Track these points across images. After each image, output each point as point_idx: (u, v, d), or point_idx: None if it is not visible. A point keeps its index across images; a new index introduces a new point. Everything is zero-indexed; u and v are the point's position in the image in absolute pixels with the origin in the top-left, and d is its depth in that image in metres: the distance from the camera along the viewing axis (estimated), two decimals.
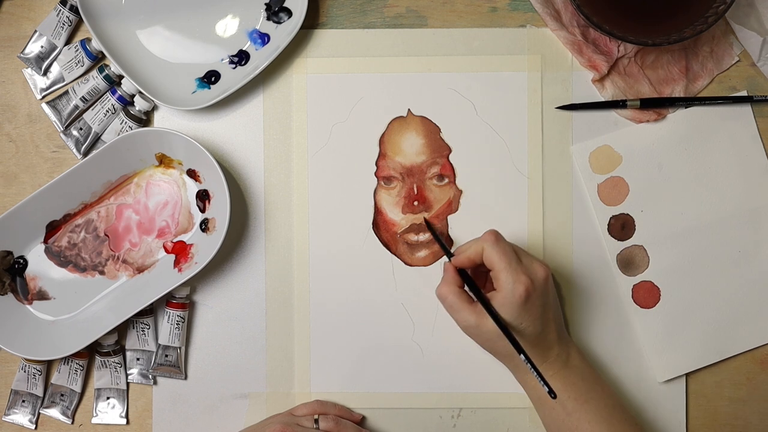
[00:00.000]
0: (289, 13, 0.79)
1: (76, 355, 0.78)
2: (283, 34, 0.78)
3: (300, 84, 0.80)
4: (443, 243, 0.77)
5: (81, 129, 0.79)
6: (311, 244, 0.80)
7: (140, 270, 0.79)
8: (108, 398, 0.80)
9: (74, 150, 0.79)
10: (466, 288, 0.74)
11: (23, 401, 0.79)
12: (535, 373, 0.68)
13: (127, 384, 0.80)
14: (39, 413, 0.80)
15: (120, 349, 0.80)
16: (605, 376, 0.79)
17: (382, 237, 0.80)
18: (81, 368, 0.79)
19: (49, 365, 0.80)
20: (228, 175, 0.79)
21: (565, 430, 0.72)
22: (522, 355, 0.69)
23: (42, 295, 0.79)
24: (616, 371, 0.79)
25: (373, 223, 0.80)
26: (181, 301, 0.79)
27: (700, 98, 0.79)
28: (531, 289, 0.70)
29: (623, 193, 0.80)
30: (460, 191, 0.80)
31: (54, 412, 0.79)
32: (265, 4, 0.80)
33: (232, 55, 0.80)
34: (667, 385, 0.79)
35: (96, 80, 0.78)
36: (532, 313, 0.71)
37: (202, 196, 0.79)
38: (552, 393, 0.67)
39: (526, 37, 0.80)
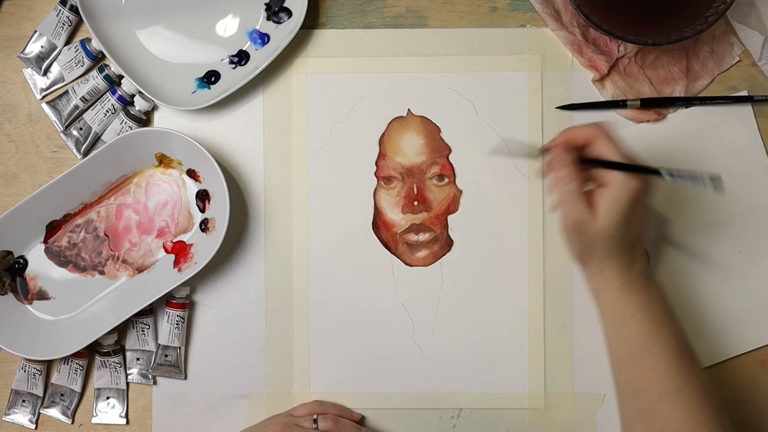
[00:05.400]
0: (289, 13, 0.79)
1: (76, 355, 0.78)
2: (283, 34, 0.78)
3: (300, 84, 0.80)
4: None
5: (81, 129, 0.79)
6: (311, 244, 0.80)
7: (140, 270, 0.79)
8: (108, 398, 0.80)
9: (74, 150, 0.79)
10: None
11: (23, 401, 0.79)
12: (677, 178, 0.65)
13: (127, 384, 0.80)
14: (39, 413, 0.80)
15: (120, 349, 0.80)
16: (606, 375, 0.79)
17: (382, 237, 0.80)
18: (81, 368, 0.79)
19: (49, 365, 0.80)
20: (228, 175, 0.79)
21: (637, 351, 0.68)
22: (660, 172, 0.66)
23: (42, 295, 0.79)
24: None
25: (373, 223, 0.80)
26: (181, 301, 0.79)
27: (701, 98, 0.79)
28: (643, 191, 0.67)
29: None
30: (460, 191, 0.80)
31: (54, 412, 0.80)
32: (265, 4, 0.80)
33: (232, 55, 0.80)
34: None
35: (96, 80, 0.79)
36: (637, 219, 0.68)
37: (202, 196, 0.79)
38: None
39: (526, 37, 0.80)
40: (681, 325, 0.70)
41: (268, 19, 0.80)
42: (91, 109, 0.79)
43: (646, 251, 0.72)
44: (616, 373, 0.71)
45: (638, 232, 0.69)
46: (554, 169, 0.70)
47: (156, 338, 0.79)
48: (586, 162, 0.69)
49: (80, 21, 0.79)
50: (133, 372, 0.80)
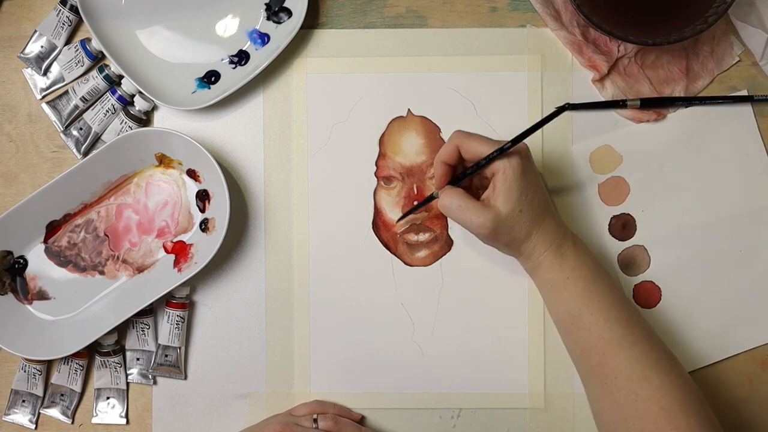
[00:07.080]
0: (289, 13, 0.79)
1: (76, 355, 0.78)
2: (283, 34, 0.78)
3: (300, 84, 0.80)
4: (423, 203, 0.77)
5: (81, 129, 0.79)
6: (311, 244, 0.80)
7: (140, 270, 0.79)
8: (108, 398, 0.80)
9: (74, 150, 0.79)
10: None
11: (23, 401, 0.79)
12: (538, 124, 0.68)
13: (127, 384, 0.80)
14: (39, 413, 0.80)
15: (120, 349, 0.80)
16: None
17: (382, 237, 0.80)
18: (81, 368, 0.79)
19: (49, 365, 0.80)
20: (228, 175, 0.79)
21: (576, 311, 0.70)
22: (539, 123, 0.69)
23: (42, 295, 0.79)
24: None
25: (373, 223, 0.80)
26: (181, 301, 0.79)
27: (700, 98, 0.79)
28: (524, 159, 0.70)
29: (624, 193, 0.80)
30: None
31: (54, 412, 0.79)
32: (265, 4, 0.80)
33: (232, 55, 0.80)
34: None
35: (96, 80, 0.79)
36: (533, 184, 0.70)
37: (202, 196, 0.79)
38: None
39: (526, 37, 0.80)
40: (615, 280, 0.73)
41: (268, 19, 0.80)
42: (91, 109, 0.79)
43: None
44: (563, 338, 0.73)
45: (541, 195, 0.72)
46: (439, 200, 0.72)
47: (156, 338, 0.79)
48: (464, 176, 0.72)
49: (80, 21, 0.79)
50: (133, 372, 0.80)
